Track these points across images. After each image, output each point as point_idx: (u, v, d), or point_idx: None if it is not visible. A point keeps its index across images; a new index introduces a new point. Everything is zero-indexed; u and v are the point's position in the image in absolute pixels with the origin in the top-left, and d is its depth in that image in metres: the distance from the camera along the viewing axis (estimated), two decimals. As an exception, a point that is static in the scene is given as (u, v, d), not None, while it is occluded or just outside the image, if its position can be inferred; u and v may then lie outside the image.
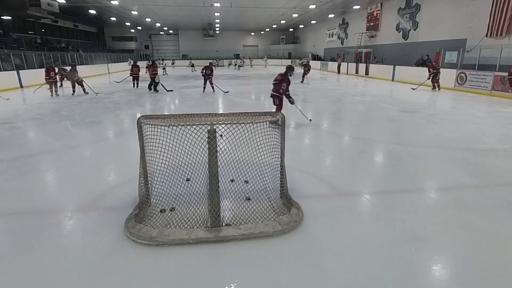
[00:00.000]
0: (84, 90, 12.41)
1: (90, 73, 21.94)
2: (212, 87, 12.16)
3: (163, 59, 28.60)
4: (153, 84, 12.99)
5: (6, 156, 4.88)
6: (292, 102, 6.47)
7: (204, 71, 12.10)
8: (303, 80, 16.47)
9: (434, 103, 10.35)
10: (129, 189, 3.42)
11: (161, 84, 13.12)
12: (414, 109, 8.78)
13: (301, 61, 32.28)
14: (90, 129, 6.83)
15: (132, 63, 15.94)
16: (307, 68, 16.77)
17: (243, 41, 43.13)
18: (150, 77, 13.05)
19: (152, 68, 13.09)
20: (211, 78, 12.08)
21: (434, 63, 13.12)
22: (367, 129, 6.71)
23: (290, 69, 6.37)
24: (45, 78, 12.03)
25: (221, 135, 2.70)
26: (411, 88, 13.24)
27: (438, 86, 12.61)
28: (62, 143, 5.67)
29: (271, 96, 6.49)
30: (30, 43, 22.04)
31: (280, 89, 6.25)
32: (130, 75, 14.92)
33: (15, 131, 6.67)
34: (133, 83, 14.74)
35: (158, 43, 42.15)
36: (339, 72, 23.83)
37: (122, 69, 27.07)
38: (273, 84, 6.37)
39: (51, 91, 11.99)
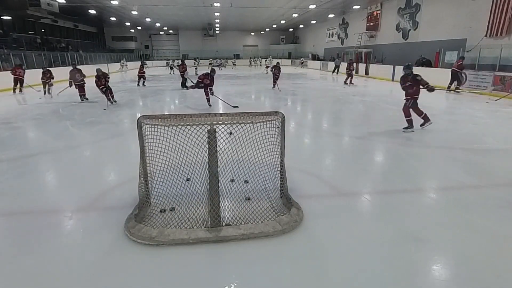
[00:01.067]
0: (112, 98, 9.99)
1: (90, 73, 21.92)
2: (208, 99, 9.08)
3: (196, 59, 29.81)
4: (182, 81, 13.95)
5: (6, 156, 4.88)
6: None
7: (202, 79, 8.73)
8: (274, 85, 13.30)
9: (434, 103, 10.34)
10: (129, 189, 3.42)
11: (191, 81, 13.33)
12: (414, 109, 8.76)
13: (301, 60, 32.43)
14: (90, 129, 6.83)
15: (125, 64, 16.30)
16: (277, 71, 13.13)
17: (243, 41, 43.13)
18: (181, 74, 14.11)
19: (182, 66, 14.19)
20: (212, 89, 8.94)
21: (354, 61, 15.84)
22: (367, 129, 6.71)
23: (410, 67, 6.05)
24: (69, 82, 10.41)
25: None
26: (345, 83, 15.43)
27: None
28: (62, 143, 5.67)
29: (411, 100, 6.05)
30: (30, 43, 22.05)
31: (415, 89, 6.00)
32: (138, 74, 15.59)
33: (15, 131, 6.67)
34: (138, 82, 15.42)
35: (158, 43, 42.17)
36: (337, 72, 22.50)
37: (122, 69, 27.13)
38: (413, 89, 5.97)
39: (81, 96, 10.38)
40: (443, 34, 15.41)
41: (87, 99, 10.47)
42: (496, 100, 9.87)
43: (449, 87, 12.08)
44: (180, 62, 15.18)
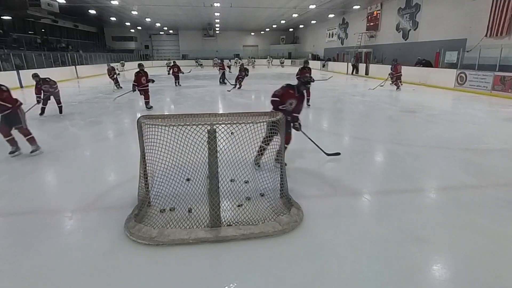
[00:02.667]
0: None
1: (90, 73, 22.02)
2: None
3: (240, 59, 30.59)
4: (220, 77, 15.62)
5: (6, 156, 4.88)
6: None
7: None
8: (236, 85, 13.52)
9: (434, 103, 10.35)
10: (129, 189, 3.42)
11: (227, 80, 15.01)
12: (414, 109, 8.77)
13: (281, 60, 32.58)
14: (90, 129, 6.83)
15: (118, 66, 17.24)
16: (245, 73, 13.46)
17: (243, 41, 43.11)
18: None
19: (222, 65, 16.48)
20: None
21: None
22: (367, 129, 6.71)
23: None
24: (133, 85, 8.66)
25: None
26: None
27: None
28: (62, 143, 5.67)
29: None
30: (30, 43, 22.05)
31: None
32: (173, 74, 15.78)
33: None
34: (175, 82, 15.79)
35: (158, 43, 42.15)
36: (357, 72, 21.68)
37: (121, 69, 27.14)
38: None
39: (147, 102, 8.87)
40: (443, 34, 15.40)
41: (151, 107, 8.96)
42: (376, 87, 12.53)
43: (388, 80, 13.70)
44: (219, 61, 17.83)
